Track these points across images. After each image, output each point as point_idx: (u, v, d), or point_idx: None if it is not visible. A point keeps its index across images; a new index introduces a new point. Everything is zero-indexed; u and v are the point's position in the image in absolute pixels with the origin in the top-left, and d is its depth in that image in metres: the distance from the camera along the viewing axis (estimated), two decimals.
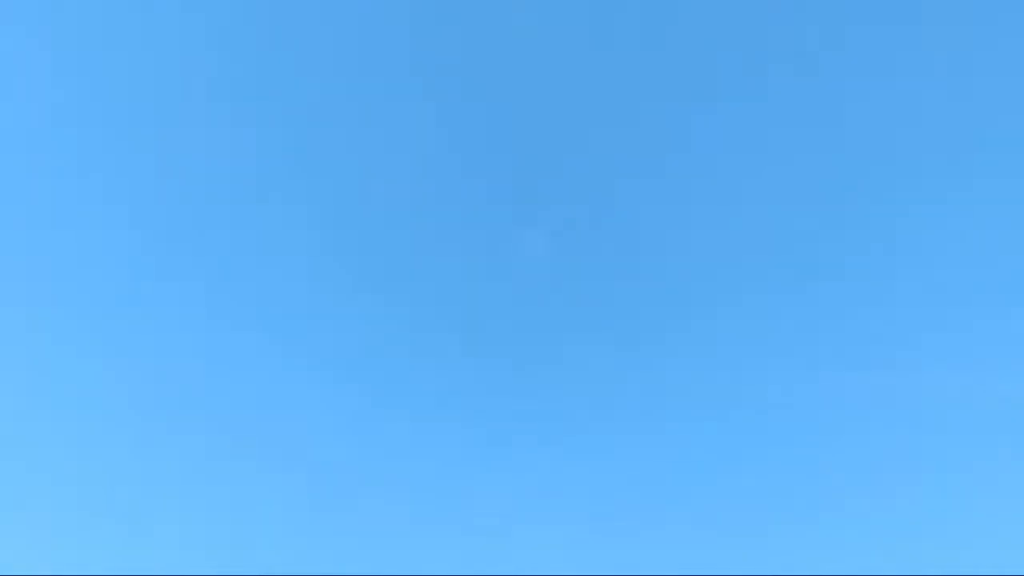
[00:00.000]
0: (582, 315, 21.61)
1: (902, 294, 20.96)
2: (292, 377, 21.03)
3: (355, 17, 22.26)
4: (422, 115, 22.39)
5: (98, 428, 20.07)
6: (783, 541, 19.17)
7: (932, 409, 19.77)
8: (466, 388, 21.07)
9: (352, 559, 19.09)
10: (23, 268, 20.82)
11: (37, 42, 21.50)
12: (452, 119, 22.28)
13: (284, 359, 21.20)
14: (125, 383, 20.52)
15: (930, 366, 20.15)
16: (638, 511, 19.81)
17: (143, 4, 21.79)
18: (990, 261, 20.77)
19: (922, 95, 21.61)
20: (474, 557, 19.04)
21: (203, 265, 21.51)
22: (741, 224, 22.04)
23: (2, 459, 19.40)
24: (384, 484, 20.25)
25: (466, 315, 21.65)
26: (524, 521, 19.82)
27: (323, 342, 21.48)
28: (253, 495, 19.94)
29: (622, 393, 20.99)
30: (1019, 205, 20.75)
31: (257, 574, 18.57)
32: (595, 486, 20.22)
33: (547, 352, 21.41)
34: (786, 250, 21.71)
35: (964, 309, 20.60)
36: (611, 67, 22.21)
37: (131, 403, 20.39)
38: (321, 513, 19.88)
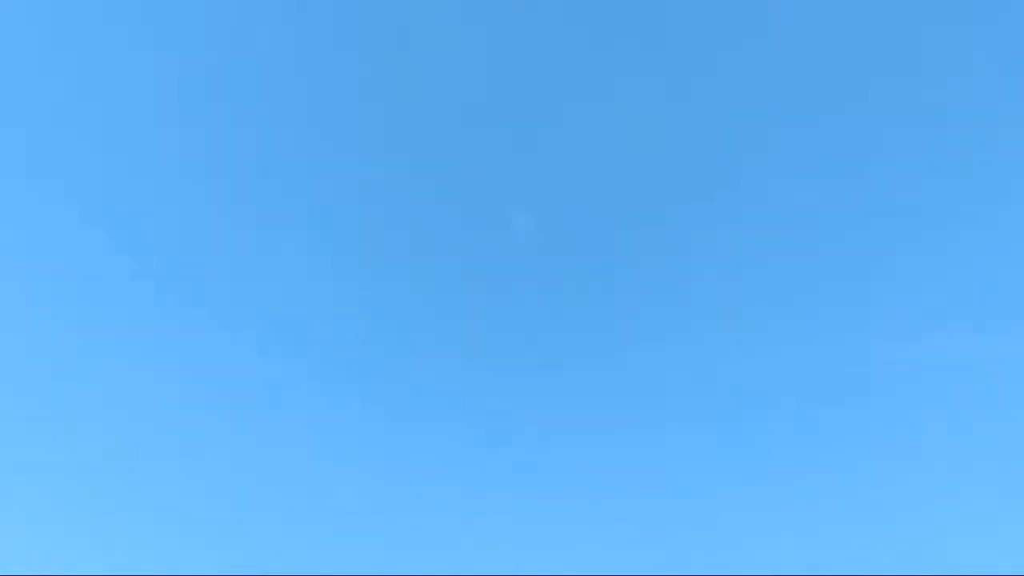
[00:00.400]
0: (571, 303, 21.57)
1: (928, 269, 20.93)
2: (282, 372, 21.04)
3: (347, 11, 22.26)
4: (411, 104, 22.35)
5: (97, 429, 20.09)
6: (784, 538, 19.19)
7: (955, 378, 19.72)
8: (454, 380, 21.05)
9: (350, 559, 19.10)
10: (22, 268, 20.83)
11: (34, 41, 21.52)
12: (442, 108, 22.23)
13: (275, 354, 21.19)
14: (124, 384, 20.54)
15: (950, 336, 20.11)
16: (635, 504, 19.82)
17: (141, 3, 21.82)
18: (991, 260, 20.86)
19: (920, 96, 21.71)
20: (463, 555, 19.03)
21: (190, 264, 21.54)
22: (730, 212, 22.04)
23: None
24: (373, 480, 20.26)
25: (452, 304, 21.59)
26: (516, 517, 19.83)
27: (312, 335, 21.46)
28: (251, 495, 19.97)
29: (613, 380, 20.99)
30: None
31: (257, 574, 18.55)
32: (589, 481, 20.23)
33: (537, 341, 21.39)
34: (779, 231, 21.70)
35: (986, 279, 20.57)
36: (599, 55, 22.18)
37: (133, 403, 20.41)
38: (317, 512, 19.90)
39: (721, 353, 20.96)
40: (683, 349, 21.14)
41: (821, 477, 19.78)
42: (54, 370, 20.35)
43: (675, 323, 21.39)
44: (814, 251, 21.51)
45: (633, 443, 20.39)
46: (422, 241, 21.98)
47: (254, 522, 19.61)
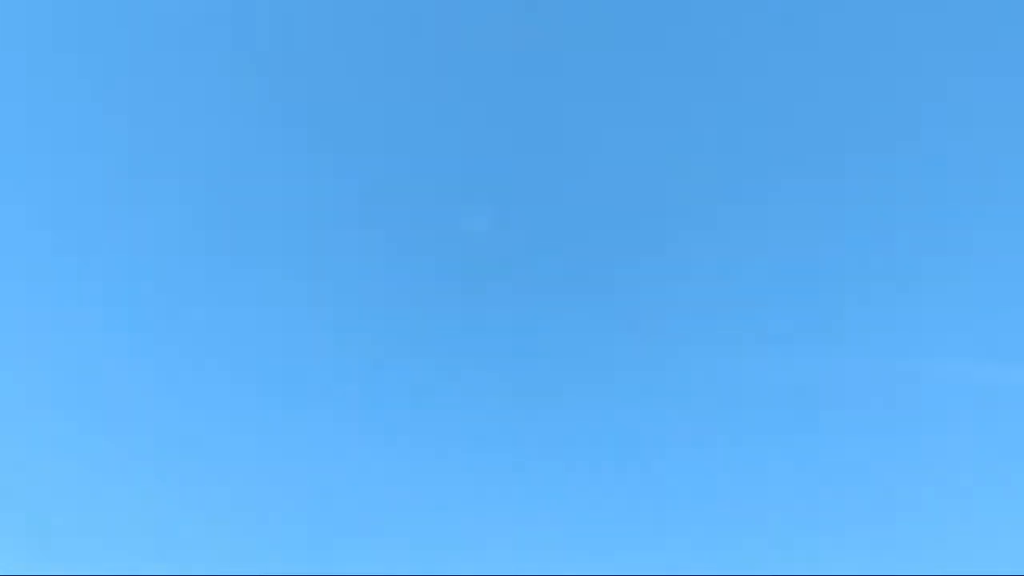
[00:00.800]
0: (564, 304, 21.49)
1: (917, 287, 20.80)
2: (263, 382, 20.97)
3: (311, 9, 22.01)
4: (369, 102, 22.19)
5: (91, 428, 20.12)
6: (786, 538, 19.16)
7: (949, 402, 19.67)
8: (435, 386, 21.00)
9: (348, 559, 19.10)
10: (21, 268, 20.86)
11: (30, 40, 21.52)
12: (399, 104, 22.09)
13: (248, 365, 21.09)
14: (122, 383, 20.57)
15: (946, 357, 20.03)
16: (632, 509, 19.78)
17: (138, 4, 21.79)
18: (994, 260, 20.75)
19: (924, 97, 21.61)
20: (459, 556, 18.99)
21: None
22: (725, 217, 21.93)
23: None
24: (366, 481, 20.25)
25: (427, 309, 21.49)
26: (512, 518, 19.81)
27: (274, 336, 21.36)
28: (250, 495, 20.01)
29: (608, 379, 20.93)
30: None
31: (256, 574, 18.56)
32: (584, 484, 20.17)
33: (526, 344, 21.32)
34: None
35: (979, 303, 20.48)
36: (568, 53, 22.00)
37: (132, 403, 20.44)
38: (310, 512, 19.92)
39: (718, 360, 20.88)
40: (678, 355, 21.06)
41: (822, 484, 19.77)
42: (53, 370, 20.43)
43: (666, 326, 21.34)
44: (811, 257, 21.46)
45: (628, 446, 20.36)
46: (382, 243, 21.87)
47: (251, 522, 19.68)
